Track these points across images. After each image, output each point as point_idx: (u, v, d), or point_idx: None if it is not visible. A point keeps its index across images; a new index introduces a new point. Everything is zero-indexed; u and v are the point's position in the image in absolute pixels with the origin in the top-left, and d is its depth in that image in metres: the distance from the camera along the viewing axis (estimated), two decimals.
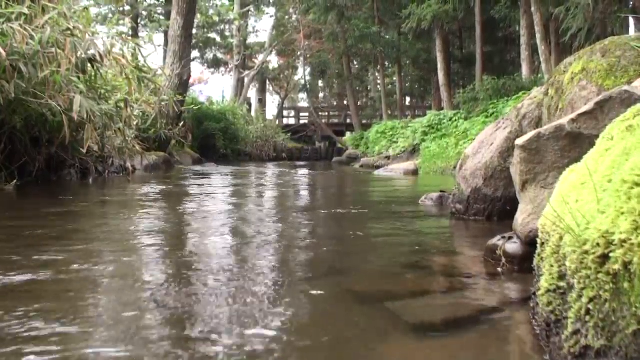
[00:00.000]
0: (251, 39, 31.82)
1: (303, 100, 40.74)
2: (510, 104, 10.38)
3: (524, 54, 13.66)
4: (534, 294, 1.32)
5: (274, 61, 33.90)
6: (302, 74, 30.50)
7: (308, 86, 29.70)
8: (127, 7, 26.11)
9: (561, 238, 1.15)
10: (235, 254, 2.25)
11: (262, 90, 33.49)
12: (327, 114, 32.84)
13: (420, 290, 1.70)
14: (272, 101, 39.50)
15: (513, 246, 1.99)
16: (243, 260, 2.13)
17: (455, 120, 14.11)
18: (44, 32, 5.19)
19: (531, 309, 1.35)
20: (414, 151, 14.91)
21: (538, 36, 12.38)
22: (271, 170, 12.08)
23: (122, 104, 6.95)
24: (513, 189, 2.37)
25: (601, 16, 10.05)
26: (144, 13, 27.74)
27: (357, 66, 30.25)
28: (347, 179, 9.51)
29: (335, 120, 31.91)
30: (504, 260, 1.98)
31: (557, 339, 1.08)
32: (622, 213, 0.93)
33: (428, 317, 1.44)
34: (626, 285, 0.86)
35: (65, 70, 5.32)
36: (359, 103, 29.01)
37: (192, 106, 14.69)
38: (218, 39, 32.01)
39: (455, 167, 5.61)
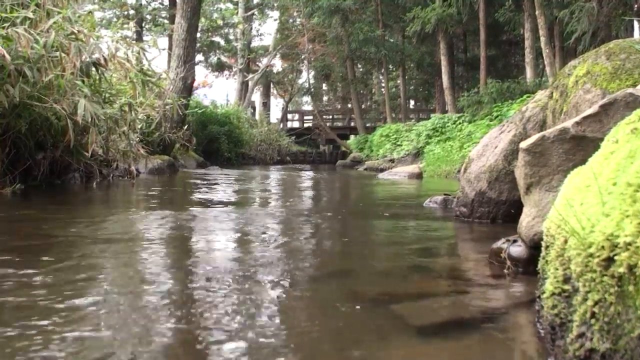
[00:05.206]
0: (255, 43, 31.95)
1: (307, 104, 40.82)
2: (514, 107, 10.37)
3: (528, 57, 13.66)
4: (539, 297, 1.32)
5: (277, 65, 34.02)
6: (306, 77, 30.59)
7: (312, 89, 29.74)
8: (132, 11, 26.28)
9: (566, 241, 1.14)
10: (238, 254, 2.25)
11: (266, 94, 33.57)
12: (331, 117, 32.91)
13: (424, 292, 1.70)
14: (276, 104, 39.64)
15: (517, 249, 1.98)
16: (245, 260, 2.13)
17: (460, 123, 14.11)
18: (49, 36, 5.21)
19: (536, 312, 1.35)
20: (418, 154, 14.91)
21: (542, 39, 12.38)
22: (275, 173, 12.09)
23: (126, 108, 6.96)
24: (517, 192, 2.37)
25: (605, 19, 10.04)
26: (149, 17, 27.91)
27: (361, 69, 30.28)
28: (352, 182, 9.51)
29: (339, 124, 31.96)
30: (508, 263, 1.97)
31: (562, 342, 1.08)
32: (627, 216, 0.93)
33: (432, 319, 1.43)
34: (631, 288, 0.85)
35: (69, 74, 5.34)
36: (362, 106, 29.06)
37: (196, 110, 14.72)
38: (222, 42, 32.10)
39: (459, 170, 5.61)
